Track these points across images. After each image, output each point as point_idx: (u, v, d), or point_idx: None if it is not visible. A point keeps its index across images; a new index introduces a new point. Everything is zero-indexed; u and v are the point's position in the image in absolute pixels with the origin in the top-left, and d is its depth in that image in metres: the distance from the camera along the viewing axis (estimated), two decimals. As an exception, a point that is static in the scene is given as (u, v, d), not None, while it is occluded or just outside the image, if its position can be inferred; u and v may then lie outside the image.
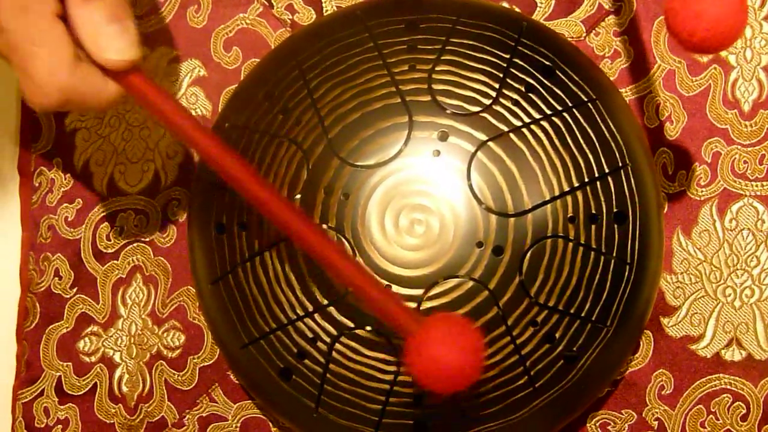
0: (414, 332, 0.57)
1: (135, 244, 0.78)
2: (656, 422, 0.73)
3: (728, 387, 0.73)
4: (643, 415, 0.73)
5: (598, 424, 0.74)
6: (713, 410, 0.73)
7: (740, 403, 0.73)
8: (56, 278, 0.79)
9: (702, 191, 0.73)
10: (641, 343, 0.73)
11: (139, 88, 0.59)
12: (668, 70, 0.74)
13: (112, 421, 0.78)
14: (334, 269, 0.60)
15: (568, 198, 0.65)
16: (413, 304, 0.64)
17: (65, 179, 0.79)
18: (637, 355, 0.73)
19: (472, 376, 0.57)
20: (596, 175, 0.65)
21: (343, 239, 0.65)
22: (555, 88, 0.66)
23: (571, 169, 0.65)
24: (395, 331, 0.59)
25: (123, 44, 0.58)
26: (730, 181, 0.73)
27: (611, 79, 0.74)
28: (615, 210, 0.65)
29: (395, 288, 0.64)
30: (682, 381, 0.73)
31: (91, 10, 0.57)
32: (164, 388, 0.77)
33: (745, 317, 0.73)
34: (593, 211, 0.65)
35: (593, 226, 0.65)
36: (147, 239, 0.78)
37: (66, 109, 0.59)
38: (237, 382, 0.76)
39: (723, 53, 0.74)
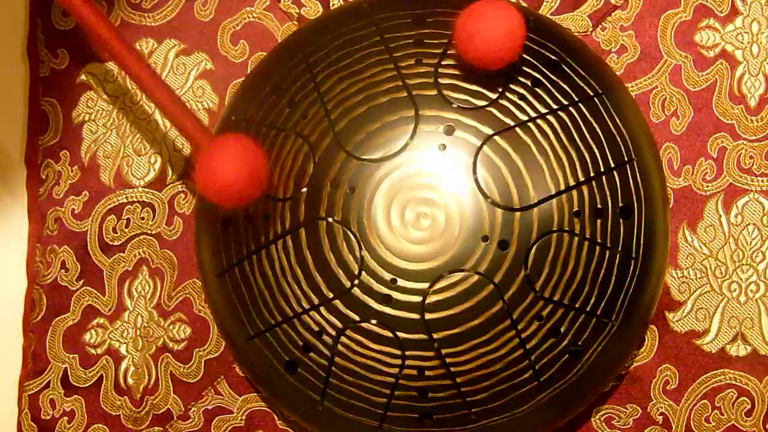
0: (203, 148, 0.61)
1: (141, 237, 0.78)
2: (661, 417, 0.73)
3: (733, 382, 0.73)
4: (648, 410, 0.73)
5: (602, 419, 0.74)
6: (718, 405, 0.73)
7: (745, 398, 0.73)
8: (63, 270, 0.79)
9: (708, 186, 0.74)
10: (646, 337, 0.73)
11: None
12: (675, 65, 0.74)
13: (117, 414, 0.78)
14: (137, 81, 0.64)
15: (574, 192, 0.65)
16: (419, 298, 0.64)
17: (72, 171, 0.79)
18: (642, 350, 0.73)
19: (250, 192, 0.61)
20: (602, 169, 0.65)
21: (349, 232, 0.65)
22: (561, 83, 0.66)
23: (577, 163, 0.65)
24: (190, 145, 0.64)
25: None
26: (736, 176, 0.73)
27: (617, 73, 0.74)
28: (620, 204, 0.66)
29: (401, 281, 0.65)
30: (687, 376, 0.73)
31: None
32: (170, 380, 0.77)
33: (751, 312, 0.73)
34: (599, 206, 0.65)
35: (599, 221, 0.65)
36: (153, 232, 0.78)
37: None
38: (242, 374, 0.76)
39: (729, 48, 0.74)
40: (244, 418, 0.77)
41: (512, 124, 0.65)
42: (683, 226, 0.74)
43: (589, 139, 0.65)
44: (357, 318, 0.66)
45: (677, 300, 0.73)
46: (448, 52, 0.67)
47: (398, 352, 0.65)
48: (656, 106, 0.74)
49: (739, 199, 0.73)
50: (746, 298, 0.73)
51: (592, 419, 0.74)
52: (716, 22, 0.74)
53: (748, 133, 0.73)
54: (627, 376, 0.73)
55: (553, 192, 0.65)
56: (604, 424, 0.74)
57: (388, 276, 0.65)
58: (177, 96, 0.66)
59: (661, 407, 0.73)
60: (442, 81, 0.66)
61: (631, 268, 0.66)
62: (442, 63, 0.66)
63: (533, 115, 0.65)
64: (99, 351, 0.78)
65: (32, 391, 0.79)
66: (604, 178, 0.65)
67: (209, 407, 0.77)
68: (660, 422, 0.73)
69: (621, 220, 0.66)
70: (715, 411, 0.73)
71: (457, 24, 0.64)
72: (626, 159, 0.66)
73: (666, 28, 0.75)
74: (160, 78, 0.65)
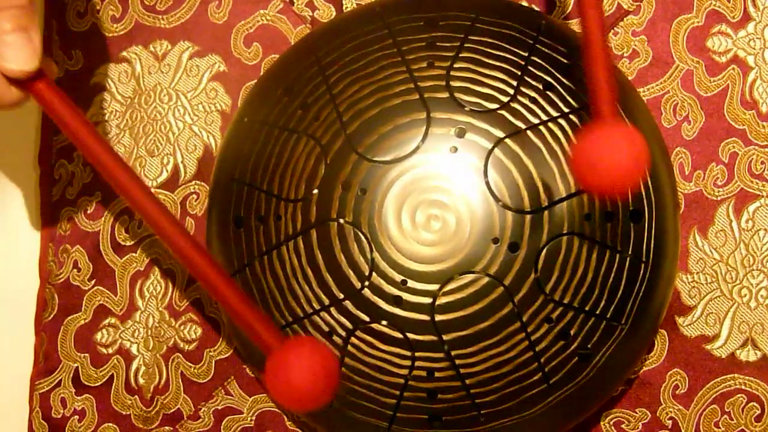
0: (274, 351, 0.58)
1: (153, 237, 0.79)
2: (670, 421, 0.73)
3: (743, 387, 0.73)
4: (657, 415, 0.73)
5: (612, 423, 0.74)
6: (727, 410, 0.73)
7: (755, 403, 0.73)
8: (75, 270, 0.79)
9: (719, 191, 0.74)
10: (656, 342, 0.73)
11: (42, 95, 0.60)
12: (686, 70, 0.74)
13: (128, 413, 0.78)
14: (205, 282, 0.60)
15: (584, 196, 0.65)
16: (429, 300, 0.65)
17: (85, 172, 0.80)
18: (651, 354, 0.73)
19: (324, 399, 0.57)
20: (613, 173, 0.65)
21: (360, 234, 0.66)
22: (573, 86, 0.66)
23: (588, 166, 0.65)
24: (258, 347, 0.59)
25: (24, 54, 0.58)
26: (747, 181, 0.73)
27: (629, 78, 0.74)
28: (631, 208, 0.66)
29: (411, 283, 0.65)
30: (697, 381, 0.73)
31: None
32: (180, 380, 0.78)
33: (761, 317, 0.73)
34: (609, 209, 0.65)
35: (609, 224, 0.65)
36: (165, 232, 0.78)
37: None
38: (252, 375, 0.76)
39: (741, 54, 0.74)
40: (254, 418, 0.77)
41: (523, 127, 0.65)
42: (694, 230, 0.74)
43: (600, 143, 0.66)
44: (367, 319, 0.66)
45: (687, 305, 0.73)
46: (460, 54, 0.67)
47: (408, 354, 0.66)
48: (668, 111, 0.74)
49: (750, 205, 0.73)
50: (756, 303, 0.73)
51: (602, 423, 0.74)
52: (728, 28, 0.74)
53: (760, 139, 0.74)
54: (637, 380, 0.73)
55: (564, 195, 0.65)
56: (613, 428, 0.74)
57: (398, 277, 0.65)
58: (243, 293, 0.61)
59: (671, 412, 0.73)
60: (453, 84, 0.66)
61: (641, 271, 0.66)
62: (454, 66, 0.67)
63: (544, 118, 0.66)
64: (110, 350, 0.79)
65: (43, 390, 0.79)
66: (614, 181, 0.65)
67: (219, 407, 0.77)
68: (669, 426, 0.73)
69: (631, 224, 0.66)
70: (725, 416, 0.73)
71: (575, 150, 0.58)
72: (637, 163, 0.66)
73: (678, 34, 0.75)
74: (226, 272, 0.61)
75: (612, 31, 0.75)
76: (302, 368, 0.57)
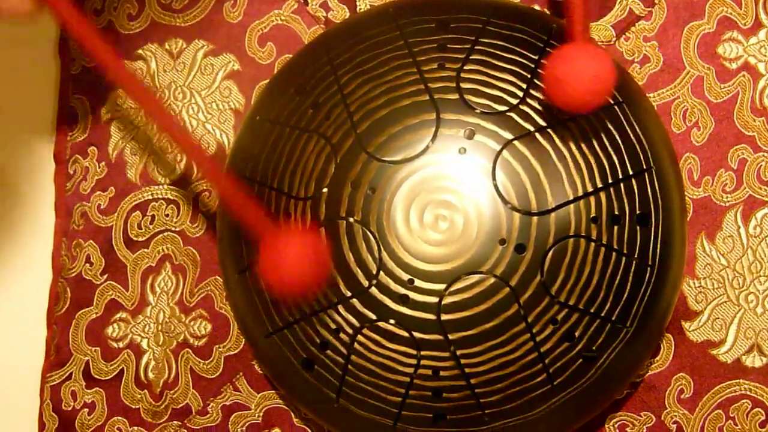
0: (266, 237, 0.60)
1: (165, 234, 0.79)
2: (675, 425, 0.73)
3: (748, 393, 0.73)
4: (662, 418, 0.74)
5: (616, 426, 0.74)
6: (732, 416, 0.73)
7: (759, 409, 0.73)
8: (87, 264, 0.80)
9: (727, 197, 0.74)
10: (662, 346, 0.73)
11: (54, 3, 0.61)
12: (697, 76, 0.75)
13: (137, 407, 0.79)
14: (205, 172, 0.63)
15: (592, 198, 0.65)
16: (435, 299, 0.65)
17: (99, 168, 0.80)
18: (657, 358, 0.74)
19: (313, 285, 0.60)
20: (620, 176, 0.66)
21: (368, 233, 0.66)
22: (582, 90, 0.67)
23: (596, 169, 0.65)
24: (251, 234, 0.62)
25: None
26: (756, 188, 0.74)
27: (640, 83, 0.74)
28: (638, 212, 0.66)
29: (418, 282, 0.65)
30: (702, 385, 0.73)
31: None
32: (189, 375, 0.78)
33: (767, 324, 0.73)
34: (616, 213, 0.65)
35: (616, 227, 0.65)
36: (177, 229, 0.79)
37: None
38: (261, 372, 0.77)
39: (752, 61, 0.74)
40: (261, 414, 0.77)
41: (532, 129, 0.66)
42: (702, 236, 0.74)
43: (609, 147, 0.66)
44: (374, 317, 0.66)
45: (694, 309, 0.74)
46: (471, 57, 0.67)
47: (414, 352, 0.66)
48: (677, 116, 0.75)
49: (758, 211, 0.74)
50: (763, 310, 0.73)
51: (606, 426, 0.74)
52: (740, 35, 0.75)
53: (769, 146, 0.74)
54: (642, 384, 0.74)
55: (571, 197, 0.65)
56: (618, 431, 0.74)
57: (405, 276, 0.66)
58: (237, 183, 0.64)
59: (675, 416, 0.73)
60: (463, 85, 0.67)
61: (647, 275, 0.66)
62: (465, 68, 0.67)
63: (553, 121, 0.66)
64: (121, 345, 0.79)
65: (54, 383, 0.80)
66: (622, 185, 0.66)
67: (227, 403, 0.78)
68: (674, 431, 0.73)
69: (638, 227, 0.66)
70: (729, 421, 0.73)
71: (546, 67, 0.63)
72: (645, 167, 0.66)
73: (689, 40, 0.75)
74: (222, 169, 0.64)
75: (623, 36, 0.76)
76: (290, 252, 0.59)
